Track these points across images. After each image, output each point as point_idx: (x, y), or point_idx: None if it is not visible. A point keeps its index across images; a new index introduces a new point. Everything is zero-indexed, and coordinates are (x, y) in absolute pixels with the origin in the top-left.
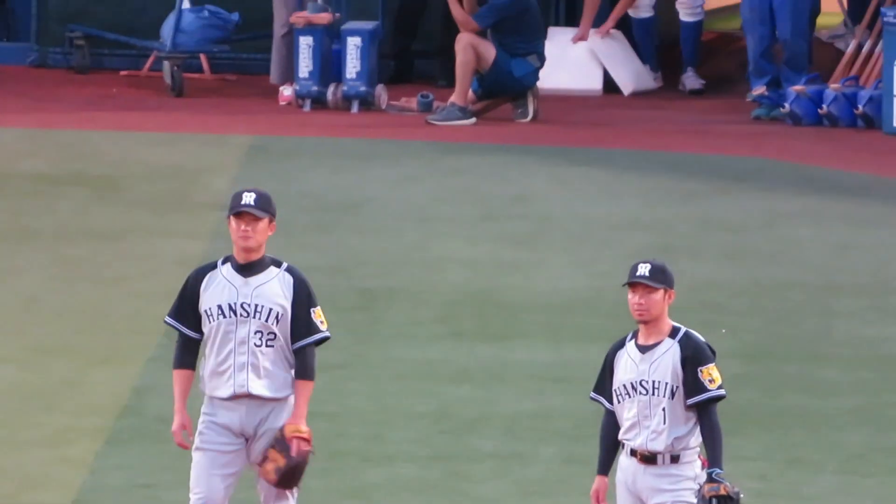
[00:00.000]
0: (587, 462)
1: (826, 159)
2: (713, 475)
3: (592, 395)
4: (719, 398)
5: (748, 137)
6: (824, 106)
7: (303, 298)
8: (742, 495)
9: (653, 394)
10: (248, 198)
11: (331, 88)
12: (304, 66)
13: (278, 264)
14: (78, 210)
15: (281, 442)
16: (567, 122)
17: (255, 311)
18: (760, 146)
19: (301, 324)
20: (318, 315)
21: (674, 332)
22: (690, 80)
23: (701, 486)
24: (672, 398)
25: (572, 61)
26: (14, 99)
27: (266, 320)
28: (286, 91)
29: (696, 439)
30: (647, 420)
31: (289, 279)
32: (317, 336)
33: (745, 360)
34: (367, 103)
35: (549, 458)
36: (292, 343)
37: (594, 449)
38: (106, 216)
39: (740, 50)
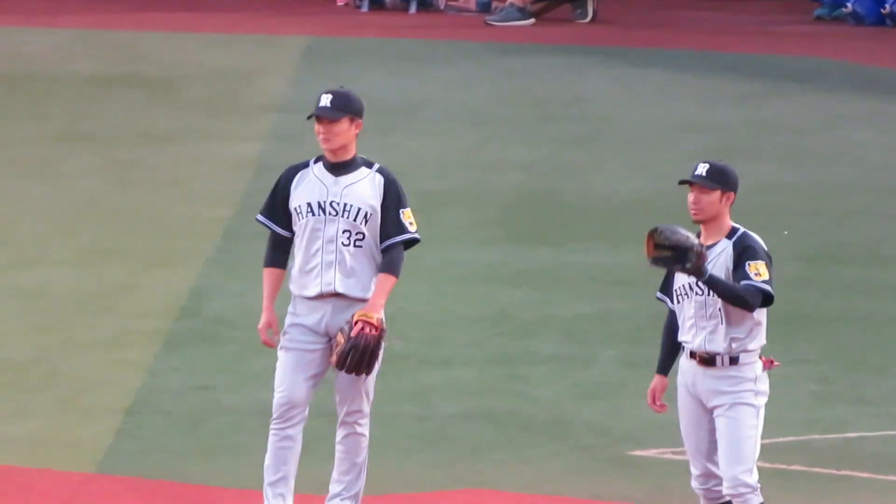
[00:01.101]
0: (646, 365)
1: (888, 60)
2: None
3: (658, 294)
4: (763, 292)
5: (809, 38)
6: (887, 6)
7: (393, 199)
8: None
9: (709, 294)
10: (325, 100)
11: None
12: None
13: (370, 165)
14: (132, 112)
15: (347, 326)
16: (626, 24)
17: (344, 209)
18: (821, 46)
19: (390, 223)
20: (407, 216)
21: (731, 233)
22: None
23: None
24: None
25: None
26: None
27: (355, 220)
28: None
29: (755, 342)
30: (703, 321)
31: (379, 179)
32: (406, 236)
33: (807, 262)
34: (426, 3)
35: (608, 361)
36: (381, 241)
37: (653, 352)
38: (160, 118)
39: None
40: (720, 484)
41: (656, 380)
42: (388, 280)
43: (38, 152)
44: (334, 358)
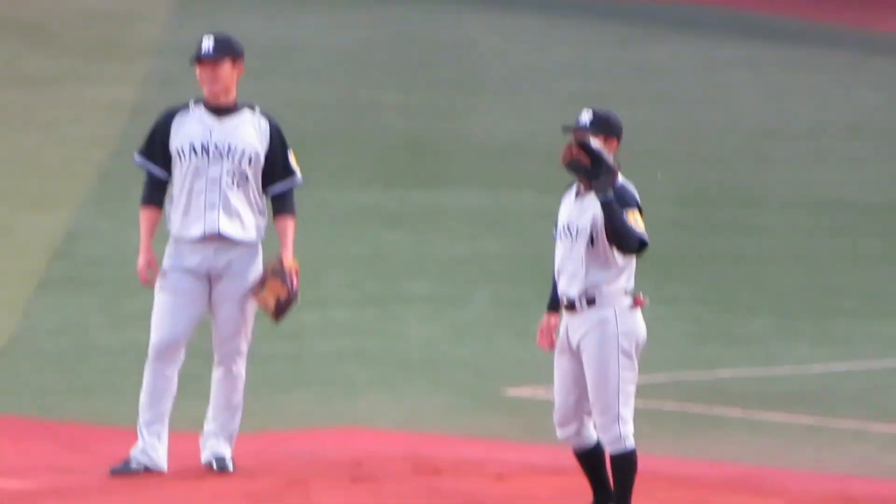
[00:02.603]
0: (519, 305)
1: (763, 5)
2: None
3: (553, 232)
4: (641, 239)
5: None
6: None
7: (278, 143)
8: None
9: (575, 239)
10: (207, 42)
11: None
12: None
13: (252, 107)
14: (8, 56)
15: (282, 273)
16: None
17: (229, 151)
18: None
19: (280, 167)
20: (293, 158)
21: None
22: None
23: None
24: (591, 245)
25: None
26: None
27: (239, 162)
28: None
29: (612, 286)
30: (568, 264)
31: (264, 124)
32: (297, 182)
33: (681, 204)
34: None
35: (483, 301)
36: (272, 185)
37: (527, 292)
38: (37, 62)
39: None
40: (587, 432)
41: (544, 317)
42: (293, 222)
43: None
44: (273, 306)
